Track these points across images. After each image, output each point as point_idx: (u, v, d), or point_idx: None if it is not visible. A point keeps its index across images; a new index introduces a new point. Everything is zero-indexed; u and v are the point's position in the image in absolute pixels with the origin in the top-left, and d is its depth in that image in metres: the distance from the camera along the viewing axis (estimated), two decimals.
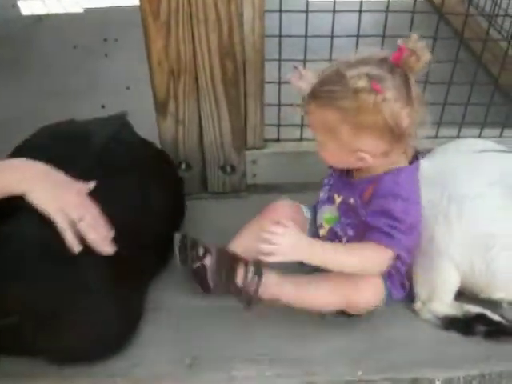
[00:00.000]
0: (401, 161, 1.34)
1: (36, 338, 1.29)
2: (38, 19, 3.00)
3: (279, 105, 1.76)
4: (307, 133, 1.83)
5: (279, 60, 1.68)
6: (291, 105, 1.71)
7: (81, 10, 3.07)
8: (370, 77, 1.17)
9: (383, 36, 1.68)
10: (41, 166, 1.30)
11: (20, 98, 2.44)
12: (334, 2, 1.63)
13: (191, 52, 1.57)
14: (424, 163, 1.67)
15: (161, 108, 1.69)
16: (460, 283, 1.51)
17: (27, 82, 2.53)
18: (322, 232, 1.48)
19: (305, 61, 1.69)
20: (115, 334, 1.45)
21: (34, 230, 1.29)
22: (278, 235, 1.24)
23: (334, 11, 1.64)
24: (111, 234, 1.31)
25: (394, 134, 1.22)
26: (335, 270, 1.34)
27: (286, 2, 1.68)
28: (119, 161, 1.54)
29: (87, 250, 1.33)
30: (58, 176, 1.31)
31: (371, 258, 1.32)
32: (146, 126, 1.76)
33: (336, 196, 1.44)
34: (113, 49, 2.73)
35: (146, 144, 1.71)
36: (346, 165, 1.35)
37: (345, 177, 1.42)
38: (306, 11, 1.63)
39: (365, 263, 1.33)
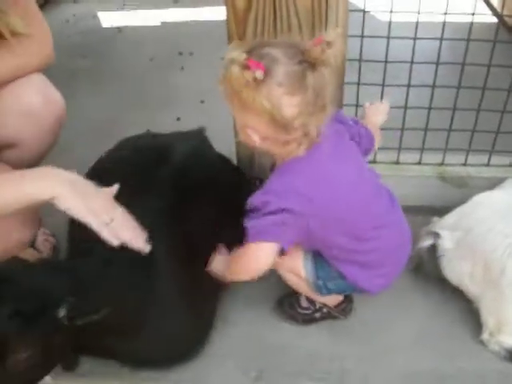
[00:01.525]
0: (297, 154, 1.27)
1: (115, 340, 1.36)
2: (117, 31, 3.12)
3: None
4: (381, 156, 1.86)
5: (358, 84, 1.71)
6: None
7: (158, 23, 3.18)
8: (254, 54, 1.13)
9: (463, 64, 1.69)
10: (68, 174, 1.30)
11: (98, 108, 2.55)
12: (416, 27, 1.64)
13: None
14: (496, 194, 1.67)
15: None
16: None
17: (105, 93, 2.64)
18: None
19: (383, 85, 1.71)
20: (188, 343, 1.52)
21: None
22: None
23: (415, 38, 1.65)
24: (144, 233, 1.34)
25: (276, 121, 1.16)
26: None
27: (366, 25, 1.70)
28: (198, 176, 1.59)
29: (165, 264, 1.41)
30: (86, 183, 1.32)
31: (244, 260, 1.35)
32: (219, 139, 1.82)
33: None
34: (188, 62, 2.82)
35: (223, 160, 1.77)
36: (246, 140, 1.28)
37: None
38: (388, 37, 1.65)
39: (242, 267, 1.38)
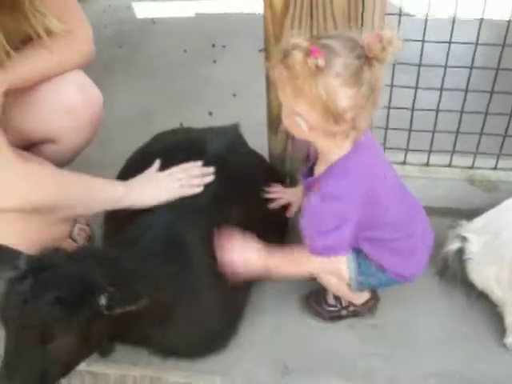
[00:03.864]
0: (343, 147, 1.31)
1: (148, 329, 1.41)
2: (151, 22, 3.16)
3: (386, 128, 1.80)
4: (411, 157, 1.88)
5: (391, 86, 1.72)
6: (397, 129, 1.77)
7: (192, 15, 3.21)
8: (316, 43, 1.15)
9: (497, 69, 1.69)
10: (133, 180, 1.60)
11: (131, 98, 2.59)
12: (452, 29, 1.64)
13: None
14: None
15: (273, 125, 1.77)
16: None
17: (138, 85, 2.69)
18: None
19: (416, 88, 1.73)
20: (218, 334, 1.56)
21: (161, 231, 1.45)
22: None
23: (450, 42, 1.66)
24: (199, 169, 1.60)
25: (329, 111, 1.18)
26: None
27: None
28: (233, 172, 1.64)
29: (199, 257, 1.46)
30: (145, 177, 1.61)
31: (306, 264, 1.45)
32: (251, 134, 1.86)
33: None
34: (220, 55, 2.84)
35: (256, 157, 1.80)
36: (290, 127, 1.30)
37: (305, 179, 1.47)
38: (423, 41, 1.67)
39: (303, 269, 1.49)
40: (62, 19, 1.55)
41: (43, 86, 1.58)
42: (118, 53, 2.93)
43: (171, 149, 1.71)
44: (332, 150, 1.32)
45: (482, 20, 1.63)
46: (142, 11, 3.27)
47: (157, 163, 1.62)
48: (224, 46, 2.90)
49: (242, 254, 1.42)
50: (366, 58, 1.16)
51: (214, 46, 2.91)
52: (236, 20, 3.08)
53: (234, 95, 2.56)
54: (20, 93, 1.53)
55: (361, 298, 1.65)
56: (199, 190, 1.54)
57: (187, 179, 1.56)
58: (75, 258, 1.28)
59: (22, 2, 1.42)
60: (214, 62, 2.81)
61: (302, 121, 1.23)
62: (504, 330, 1.58)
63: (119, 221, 1.58)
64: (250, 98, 2.41)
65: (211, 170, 1.58)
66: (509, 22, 1.62)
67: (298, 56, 1.14)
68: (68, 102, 1.61)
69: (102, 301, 1.19)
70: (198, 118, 2.38)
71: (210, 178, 1.57)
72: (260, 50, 2.65)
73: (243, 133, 1.87)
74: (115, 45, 2.98)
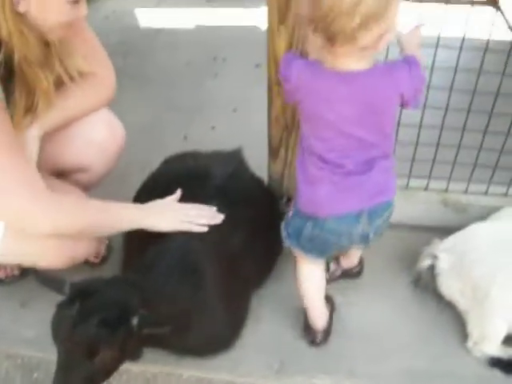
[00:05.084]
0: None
1: (170, 336, 1.62)
2: (155, 32, 3.33)
3: None
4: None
5: None
6: None
7: (192, 27, 3.38)
8: None
9: (468, 111, 1.93)
10: (149, 205, 1.76)
11: (137, 108, 2.77)
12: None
13: None
14: (491, 226, 1.95)
15: (273, 153, 2.01)
16: (508, 332, 1.80)
17: (141, 96, 2.85)
18: None
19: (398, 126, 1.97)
20: (225, 339, 1.85)
21: (176, 256, 1.70)
22: None
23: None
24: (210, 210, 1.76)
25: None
26: None
27: None
28: (237, 196, 1.89)
29: (209, 277, 1.73)
30: (157, 205, 1.76)
31: None
32: (250, 149, 2.09)
33: None
34: (221, 68, 3.03)
35: (257, 181, 2.05)
36: None
37: None
38: None
39: None
40: (88, 60, 1.74)
41: (76, 124, 1.80)
42: (122, 63, 3.04)
43: (179, 175, 1.95)
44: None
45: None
46: (145, 18, 3.42)
47: (178, 192, 1.79)
48: (224, 59, 3.07)
49: None
50: None
51: (215, 58, 3.08)
52: (236, 31, 3.23)
53: (235, 110, 2.78)
54: (55, 131, 1.75)
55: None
56: (204, 229, 1.70)
57: (197, 217, 1.72)
58: (111, 284, 1.55)
59: (53, 43, 1.58)
60: (216, 75, 3.00)
61: None
62: (467, 335, 1.87)
63: (137, 244, 1.83)
64: (248, 113, 2.62)
65: (221, 216, 1.75)
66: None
67: None
68: (98, 139, 1.84)
69: (135, 321, 1.44)
70: (200, 133, 2.62)
71: (218, 221, 1.73)
72: (257, 66, 2.85)
73: (244, 148, 2.11)
74: (119, 55, 3.08)
